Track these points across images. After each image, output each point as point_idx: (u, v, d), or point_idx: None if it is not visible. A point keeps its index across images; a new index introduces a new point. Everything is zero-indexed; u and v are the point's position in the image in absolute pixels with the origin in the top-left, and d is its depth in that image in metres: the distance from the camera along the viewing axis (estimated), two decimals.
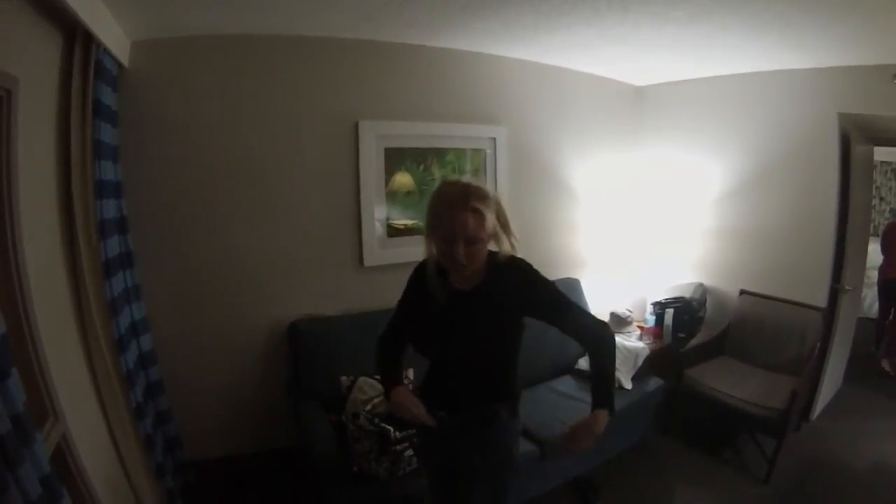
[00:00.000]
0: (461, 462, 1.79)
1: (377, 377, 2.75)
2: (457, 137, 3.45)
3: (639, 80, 4.22)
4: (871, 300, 5.60)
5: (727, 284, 4.02)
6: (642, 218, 4.27)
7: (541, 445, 2.63)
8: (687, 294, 3.99)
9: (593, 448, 1.61)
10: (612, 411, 1.62)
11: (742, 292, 3.89)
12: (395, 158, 3.25)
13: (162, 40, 2.63)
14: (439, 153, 3.41)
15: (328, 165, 3.08)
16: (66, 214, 2.03)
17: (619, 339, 3.47)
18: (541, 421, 2.74)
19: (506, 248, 1.66)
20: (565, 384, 3.29)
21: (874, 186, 6.50)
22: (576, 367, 3.41)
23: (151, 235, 2.69)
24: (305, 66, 2.96)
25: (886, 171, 7.43)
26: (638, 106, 4.37)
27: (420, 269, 1.79)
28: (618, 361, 3.22)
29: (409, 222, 3.32)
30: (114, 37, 2.27)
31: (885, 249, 5.07)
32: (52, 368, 1.66)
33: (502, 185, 3.63)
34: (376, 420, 2.38)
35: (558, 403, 3.03)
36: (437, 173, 3.40)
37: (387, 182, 3.25)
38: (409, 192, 3.32)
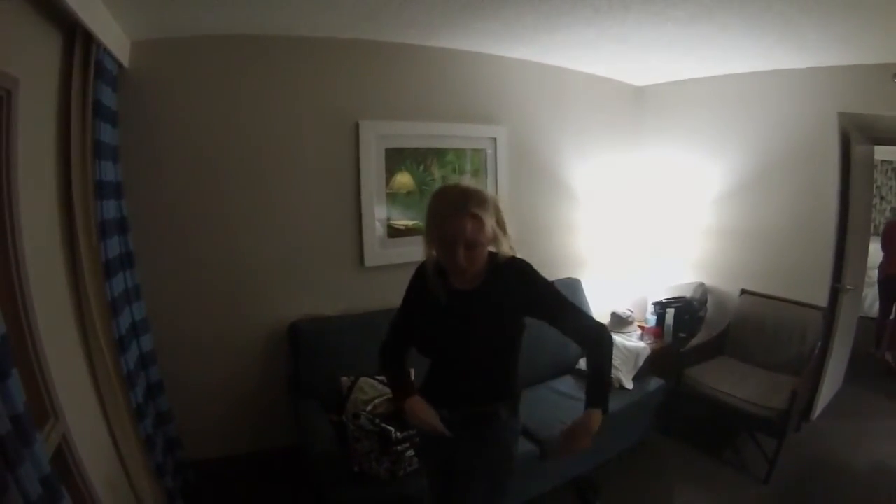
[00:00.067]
0: (460, 460, 1.79)
1: (379, 377, 2.78)
2: (457, 137, 3.45)
3: (639, 79, 4.22)
4: (871, 299, 5.59)
5: (728, 284, 4.02)
6: (643, 217, 4.27)
7: (541, 445, 2.63)
8: (687, 294, 3.99)
9: (590, 448, 1.61)
10: (606, 411, 1.62)
11: (743, 292, 3.89)
12: (396, 158, 3.25)
13: (162, 40, 2.63)
14: (439, 153, 3.41)
15: (328, 165, 3.08)
16: (66, 215, 2.03)
17: (619, 338, 3.50)
18: (541, 421, 2.74)
19: (504, 249, 1.66)
20: (566, 384, 3.29)
21: (874, 185, 6.49)
22: (576, 367, 3.41)
23: (152, 236, 2.69)
24: (306, 67, 2.96)
25: (887, 170, 7.41)
26: (638, 106, 4.36)
27: (420, 271, 1.80)
28: (618, 361, 3.28)
29: (410, 222, 3.32)
30: (114, 37, 2.27)
31: (885, 247, 5.08)
32: (52, 369, 1.66)
33: (502, 185, 3.63)
34: (377, 420, 2.38)
35: (558, 403, 3.03)
36: (438, 173, 3.41)
37: (387, 182, 3.25)
38: (409, 193, 3.32)
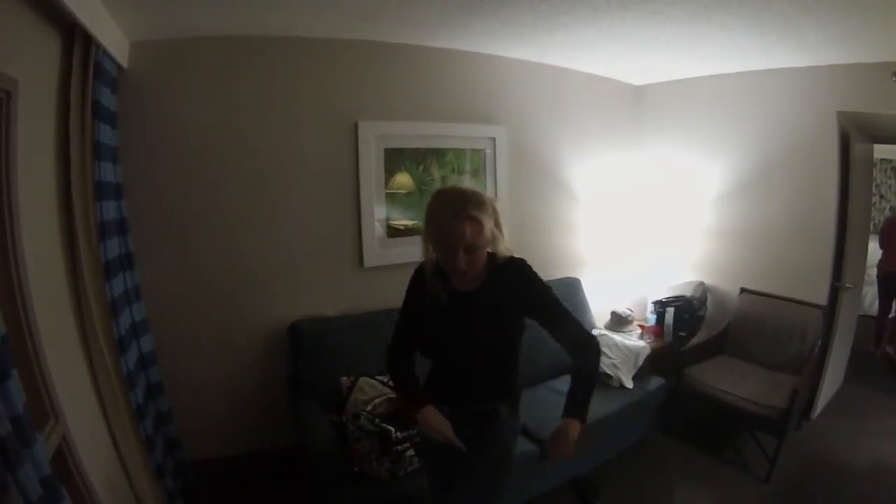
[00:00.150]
0: (460, 458, 1.79)
1: (379, 377, 2.78)
2: (456, 137, 3.45)
3: (638, 79, 4.22)
4: (871, 298, 5.60)
5: (727, 283, 4.02)
6: (642, 217, 4.27)
7: (540, 445, 2.63)
8: (687, 293, 3.99)
9: (574, 454, 1.69)
10: (584, 421, 1.69)
11: (742, 291, 3.89)
12: (395, 159, 3.26)
13: (161, 41, 2.63)
14: (439, 153, 3.41)
15: (328, 166, 3.08)
16: (65, 216, 2.03)
17: (619, 337, 3.50)
18: (541, 420, 2.73)
19: (502, 249, 1.68)
20: (566, 384, 3.22)
21: (874, 184, 6.49)
22: None
23: (151, 236, 2.69)
24: (305, 67, 2.96)
25: (886, 169, 7.41)
26: (637, 105, 4.37)
27: (419, 272, 1.80)
28: (618, 360, 3.29)
29: (409, 222, 3.32)
30: (113, 38, 2.27)
31: (883, 244, 5.08)
32: (52, 370, 1.66)
33: (502, 185, 3.63)
34: (377, 420, 2.38)
35: (558, 403, 2.94)
36: (437, 173, 3.41)
37: (386, 182, 3.25)
38: (408, 193, 3.32)
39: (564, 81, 3.85)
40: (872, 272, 5.21)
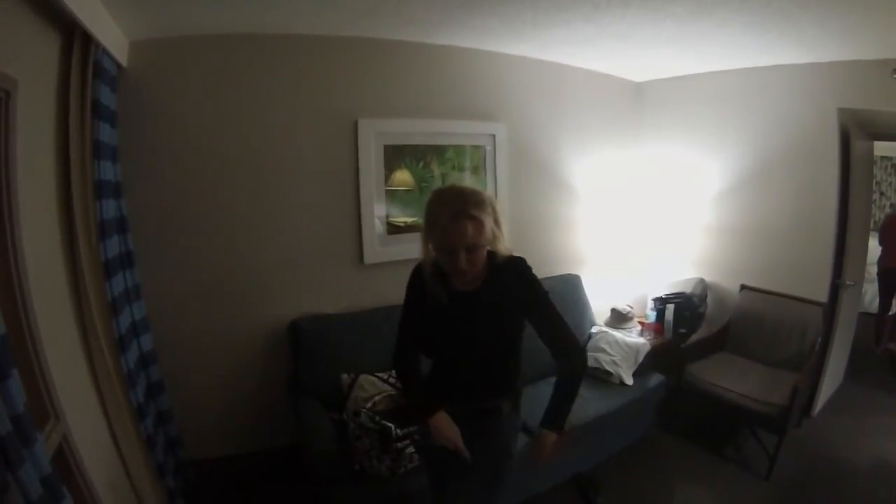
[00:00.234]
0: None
1: (379, 374, 2.78)
2: (456, 135, 3.44)
3: (638, 76, 4.21)
4: (871, 295, 5.59)
5: (728, 280, 4.02)
6: (642, 214, 4.26)
7: (562, 432, 2.63)
8: (687, 290, 3.99)
9: (555, 460, 1.75)
10: (561, 432, 1.73)
11: (743, 288, 3.89)
12: (395, 156, 3.25)
13: (160, 40, 2.63)
14: (439, 150, 3.40)
15: (328, 163, 3.08)
16: (65, 215, 2.03)
17: (619, 334, 3.51)
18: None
19: (501, 247, 1.68)
20: None
21: (874, 181, 6.49)
22: None
23: (151, 235, 2.69)
24: (304, 65, 2.95)
25: (886, 167, 7.40)
26: (637, 102, 4.36)
27: (417, 271, 1.80)
28: (618, 357, 3.29)
29: (409, 220, 3.32)
30: (112, 37, 2.27)
31: (883, 240, 5.08)
32: (52, 369, 1.66)
33: (502, 182, 3.63)
34: (377, 418, 2.38)
35: None
36: (437, 170, 3.40)
37: (386, 179, 3.24)
38: (408, 190, 3.32)
39: (564, 78, 3.84)
40: (873, 269, 5.21)
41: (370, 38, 3.04)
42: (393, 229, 3.29)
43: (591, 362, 3.33)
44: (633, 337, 3.63)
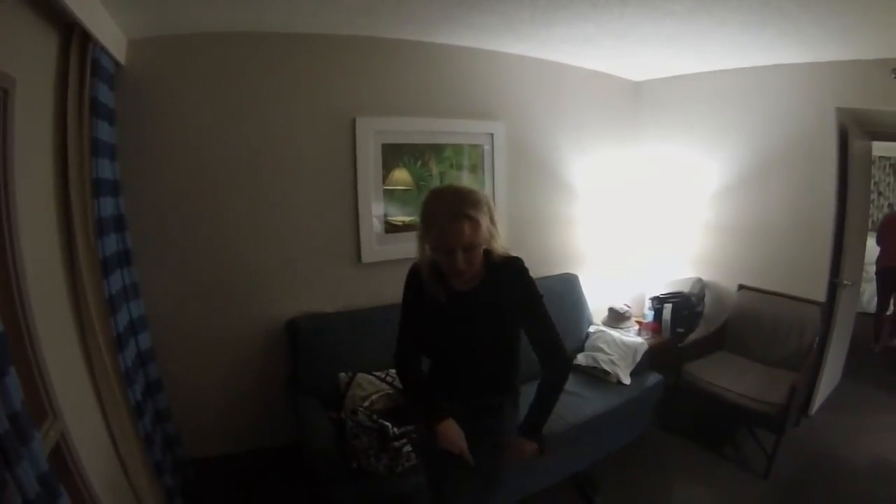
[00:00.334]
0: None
1: (377, 373, 2.78)
2: (454, 133, 3.44)
3: (637, 75, 4.21)
4: (869, 295, 5.61)
5: (726, 279, 4.03)
6: (641, 213, 4.27)
7: (540, 441, 2.63)
8: (685, 289, 3.99)
9: (550, 462, 1.84)
10: (539, 440, 1.78)
11: (741, 287, 3.89)
12: (393, 154, 3.25)
13: (159, 38, 2.62)
14: (437, 149, 3.40)
15: (326, 162, 3.08)
16: (63, 213, 2.03)
17: (617, 334, 3.51)
18: None
19: (498, 247, 1.69)
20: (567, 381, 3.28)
21: (872, 181, 6.49)
22: (574, 362, 3.40)
23: (149, 233, 2.69)
24: (303, 63, 2.95)
25: (885, 166, 7.42)
26: (636, 101, 4.36)
27: (414, 271, 1.80)
28: (616, 356, 3.30)
29: (407, 218, 3.31)
30: (110, 35, 2.27)
31: (881, 240, 5.09)
32: (50, 367, 1.65)
33: (500, 181, 3.62)
34: (375, 416, 2.39)
35: (559, 399, 3.03)
36: (435, 169, 3.40)
37: (384, 178, 3.24)
38: (406, 189, 3.32)
39: (563, 77, 3.84)
40: (871, 269, 5.21)
41: (369, 37, 3.04)
42: (391, 228, 3.29)
43: (588, 361, 3.33)
44: (631, 336, 3.63)
